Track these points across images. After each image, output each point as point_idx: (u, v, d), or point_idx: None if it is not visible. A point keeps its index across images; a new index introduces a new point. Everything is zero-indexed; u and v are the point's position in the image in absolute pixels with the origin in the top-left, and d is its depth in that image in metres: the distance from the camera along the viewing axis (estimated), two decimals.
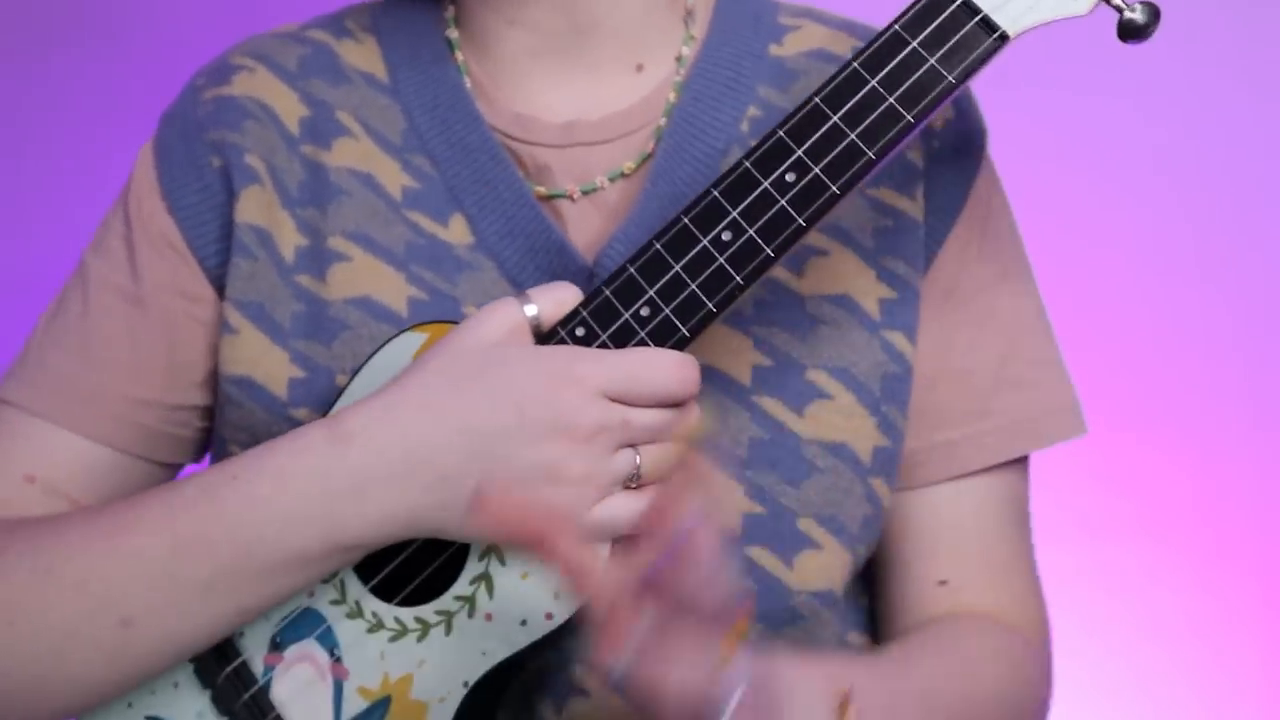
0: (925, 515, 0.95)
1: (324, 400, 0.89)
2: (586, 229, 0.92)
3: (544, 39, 0.93)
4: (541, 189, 0.93)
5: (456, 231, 0.92)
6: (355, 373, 0.86)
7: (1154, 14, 0.78)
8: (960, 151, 0.94)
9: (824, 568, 0.89)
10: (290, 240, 0.92)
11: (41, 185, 1.55)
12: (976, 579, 0.94)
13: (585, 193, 0.93)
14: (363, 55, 0.97)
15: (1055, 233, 1.47)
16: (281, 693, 0.84)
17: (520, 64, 0.94)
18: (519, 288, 0.89)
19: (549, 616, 0.80)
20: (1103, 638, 1.47)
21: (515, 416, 0.78)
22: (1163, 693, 1.55)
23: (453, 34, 0.96)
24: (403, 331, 0.85)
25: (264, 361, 0.90)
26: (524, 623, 0.81)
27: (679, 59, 0.95)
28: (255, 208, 0.92)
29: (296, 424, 0.88)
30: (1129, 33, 0.79)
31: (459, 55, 0.96)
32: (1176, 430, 1.59)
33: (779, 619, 0.89)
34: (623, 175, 0.93)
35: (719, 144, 0.92)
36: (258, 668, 0.84)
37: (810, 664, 0.74)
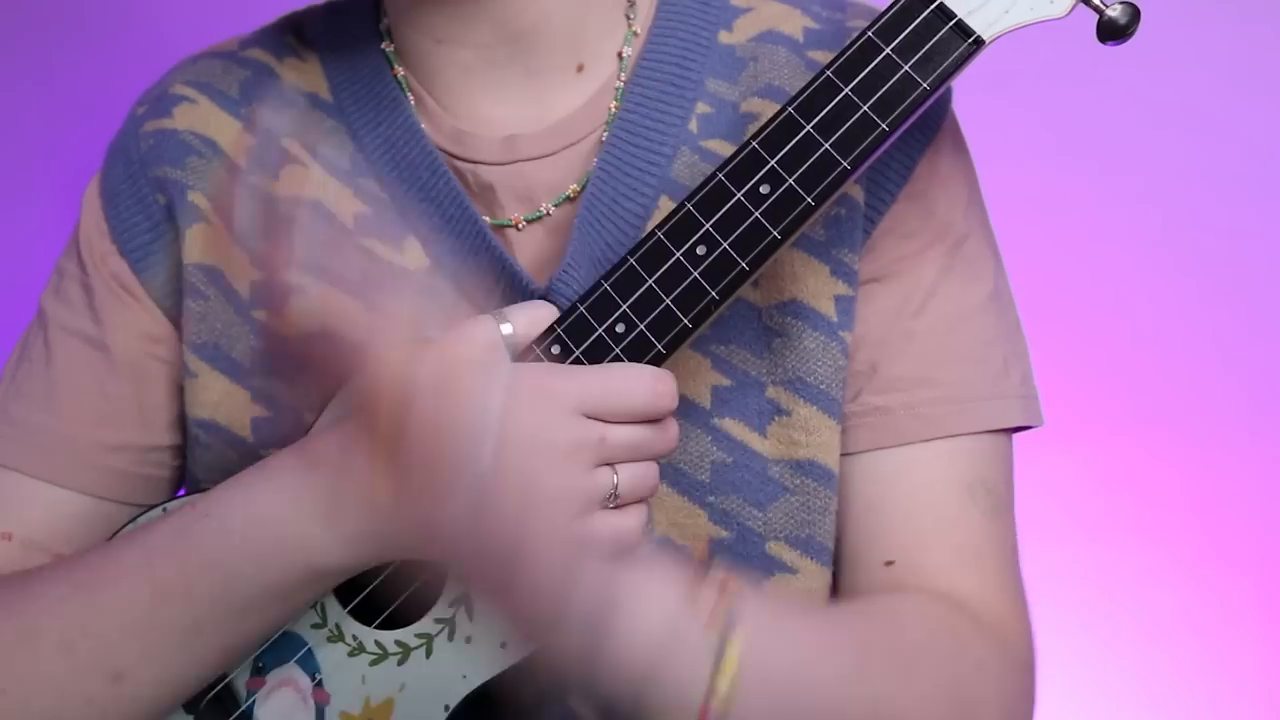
0: (870, 486, 0.88)
1: (291, 439, 0.87)
2: (533, 246, 0.90)
3: (475, 53, 0.90)
4: (487, 218, 0.90)
5: (412, 256, 0.90)
6: (333, 398, 0.85)
7: (1134, 13, 0.76)
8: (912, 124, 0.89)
9: (800, 593, 0.87)
10: (244, 275, 0.91)
11: (39, 185, 1.55)
12: (928, 561, 0.86)
13: (530, 221, 0.90)
14: (304, 74, 0.95)
15: (1052, 233, 1.45)
16: (264, 718, 0.83)
17: (453, 79, 0.91)
18: (479, 311, 0.88)
19: None
20: (1101, 638, 1.46)
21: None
22: (1162, 693, 1.53)
23: (388, 46, 0.94)
24: None
25: (226, 403, 0.89)
26: (504, 645, 0.80)
27: (621, 57, 0.92)
28: (203, 247, 0.91)
29: None
30: (1109, 33, 0.77)
31: (398, 68, 0.93)
32: (1175, 431, 1.57)
33: None
34: (569, 199, 0.90)
35: (665, 149, 0.89)
36: (240, 692, 0.84)
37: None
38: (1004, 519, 0.89)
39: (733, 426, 0.87)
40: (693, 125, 0.90)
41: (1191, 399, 1.57)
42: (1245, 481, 1.56)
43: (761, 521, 0.86)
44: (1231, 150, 1.56)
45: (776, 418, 0.87)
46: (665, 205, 0.88)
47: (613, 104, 0.91)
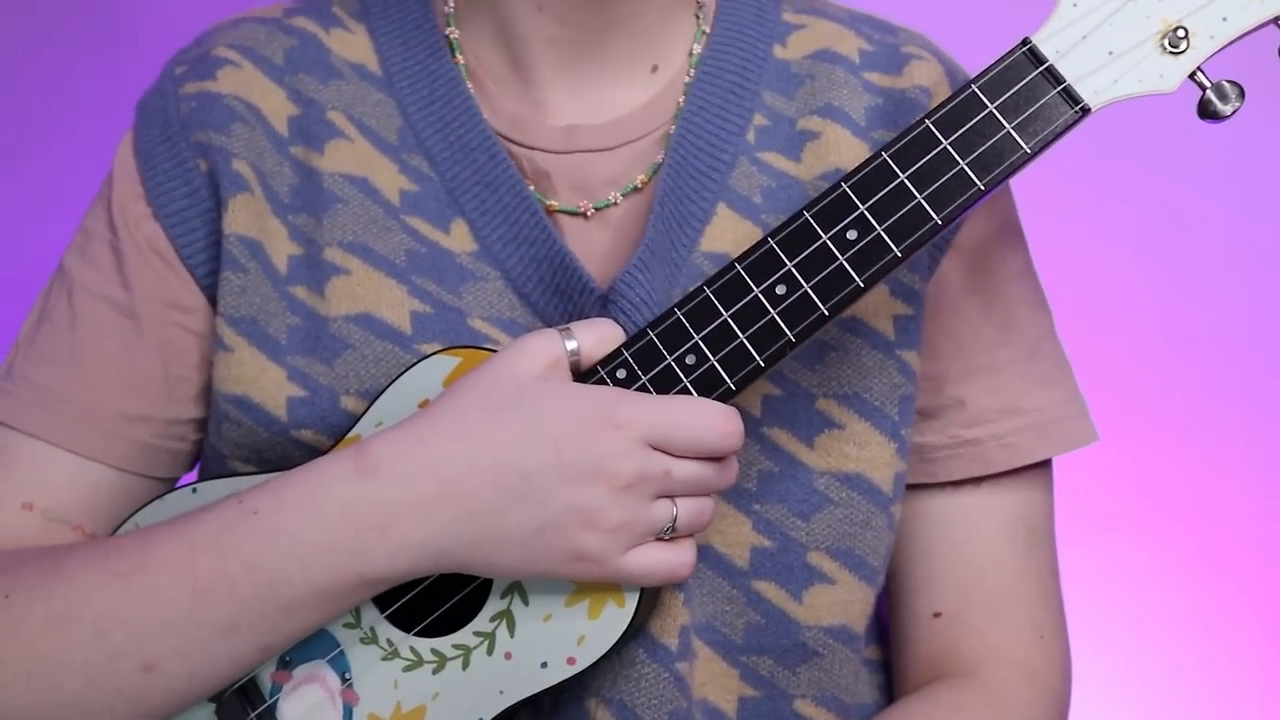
0: (926, 530, 0.93)
1: (328, 421, 0.86)
2: (590, 242, 0.89)
3: (568, 29, 0.88)
4: (553, 203, 0.89)
5: (458, 238, 0.88)
6: (380, 392, 0.83)
7: (1239, 96, 0.76)
8: None
9: (837, 603, 0.88)
10: (283, 249, 0.88)
11: (38, 184, 1.50)
12: (972, 612, 0.91)
13: (598, 209, 0.89)
14: (353, 46, 0.93)
15: (1045, 232, 1.45)
16: (289, 712, 0.82)
17: (533, 54, 0.89)
18: (525, 299, 0.87)
19: (571, 661, 0.79)
20: (1091, 640, 1.49)
21: (553, 456, 0.76)
22: (1152, 697, 1.57)
23: (453, 33, 0.92)
24: (435, 353, 0.82)
25: (261, 380, 0.87)
26: (544, 665, 0.79)
27: (691, 56, 0.92)
28: (245, 217, 0.88)
29: (300, 444, 0.86)
30: (1209, 115, 0.76)
31: (458, 50, 0.91)
32: (1166, 434, 1.59)
33: (791, 656, 0.88)
34: (635, 190, 0.89)
35: (725, 156, 0.89)
36: (265, 685, 0.83)
37: None
38: (1041, 550, 0.93)
39: (781, 436, 0.87)
40: (750, 136, 0.90)
41: (1183, 402, 1.59)
42: (1236, 485, 1.59)
43: (805, 532, 0.87)
44: (1234, 150, 1.57)
45: (827, 430, 0.87)
46: (723, 213, 0.88)
47: (681, 98, 0.90)
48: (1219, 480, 1.59)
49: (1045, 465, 0.94)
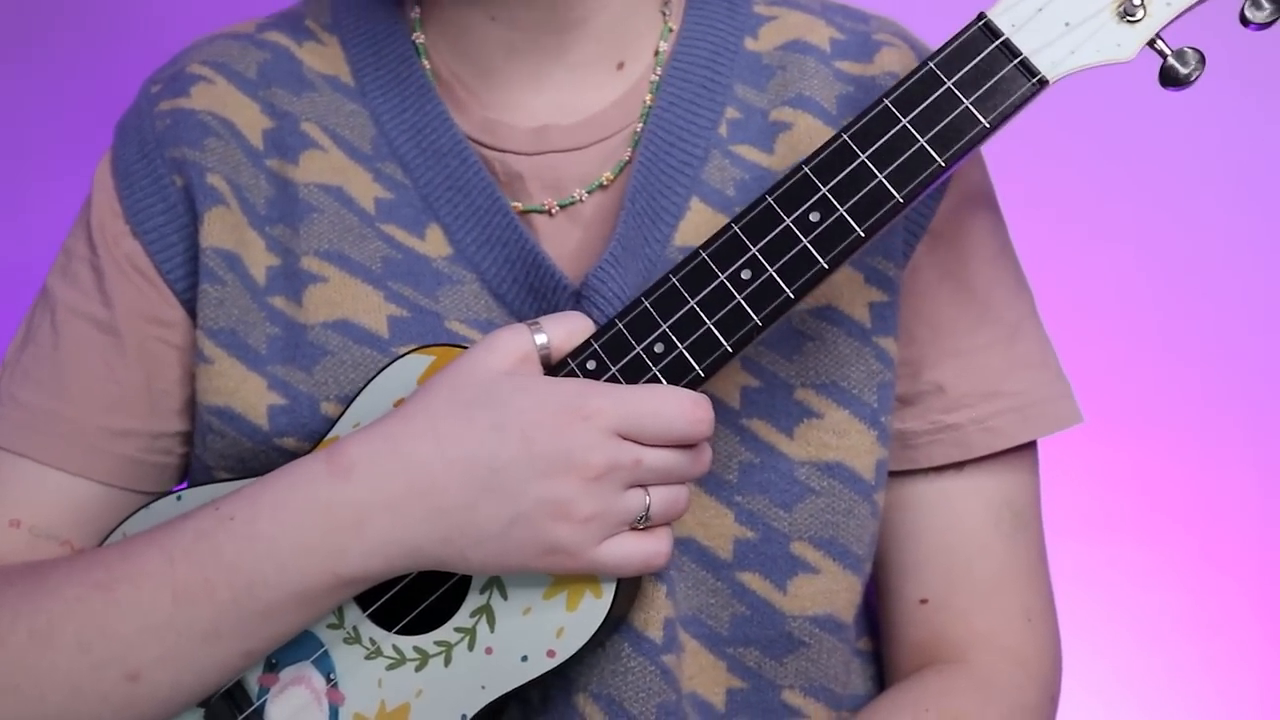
0: (910, 517, 0.93)
1: (309, 428, 0.86)
2: (563, 241, 0.90)
3: (524, 35, 0.89)
4: (518, 204, 0.90)
5: (433, 243, 0.89)
6: (357, 394, 0.83)
7: (1200, 62, 0.76)
8: None
9: (822, 593, 0.88)
10: (261, 260, 0.89)
11: (38, 184, 1.52)
12: (958, 597, 0.91)
13: (563, 206, 0.90)
14: (325, 58, 0.94)
15: (1045, 232, 1.45)
16: (276, 715, 0.82)
17: (495, 61, 0.90)
18: (500, 300, 0.88)
19: (551, 654, 0.79)
20: (1092, 641, 1.48)
21: (523, 449, 0.76)
22: (1152, 697, 1.56)
23: (419, 38, 0.93)
24: (409, 352, 0.83)
25: (242, 390, 0.87)
26: (525, 659, 0.79)
27: (657, 54, 0.92)
28: (221, 230, 0.89)
29: (283, 452, 0.86)
30: (1171, 81, 0.76)
31: (424, 55, 0.93)
32: (1166, 434, 1.58)
33: (778, 646, 0.88)
34: (601, 187, 0.90)
35: (698, 150, 0.90)
36: (252, 688, 0.83)
37: None
38: (1027, 534, 0.93)
39: (760, 427, 0.87)
40: (722, 129, 0.90)
41: (1183, 402, 1.58)
42: (1233, 484, 1.57)
43: (787, 522, 0.87)
44: (1233, 149, 1.57)
45: (805, 420, 0.87)
46: (696, 206, 0.89)
47: (648, 97, 0.91)
48: (1219, 480, 1.57)
49: (1029, 448, 0.93)
